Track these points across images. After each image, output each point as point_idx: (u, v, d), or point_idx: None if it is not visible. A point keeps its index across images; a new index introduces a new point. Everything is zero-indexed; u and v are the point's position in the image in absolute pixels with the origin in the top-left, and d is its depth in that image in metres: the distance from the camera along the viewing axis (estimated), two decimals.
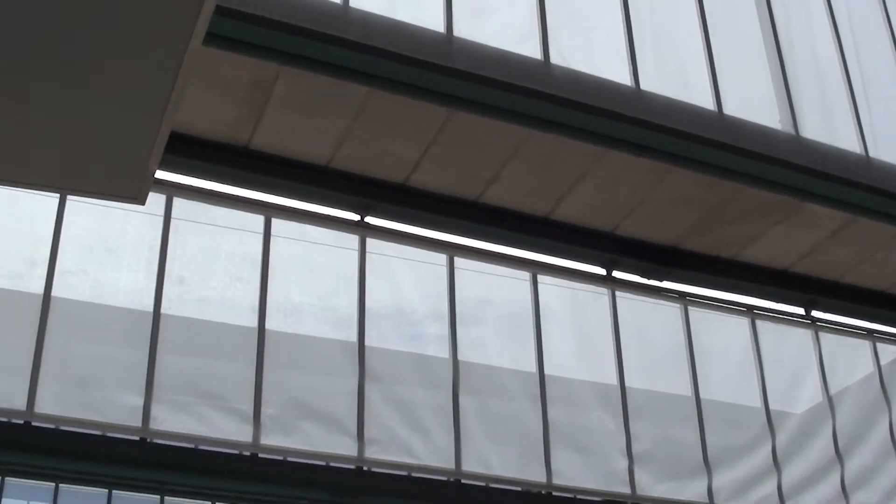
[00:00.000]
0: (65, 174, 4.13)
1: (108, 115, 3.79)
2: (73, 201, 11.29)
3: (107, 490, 14.94)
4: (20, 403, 10.26)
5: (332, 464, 11.34)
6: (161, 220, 11.79)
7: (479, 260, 13.21)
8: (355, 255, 12.32)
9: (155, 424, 10.34)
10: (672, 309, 14.98)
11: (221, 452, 10.94)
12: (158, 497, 12.41)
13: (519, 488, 12.41)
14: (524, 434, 12.44)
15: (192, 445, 10.92)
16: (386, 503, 13.23)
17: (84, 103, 3.73)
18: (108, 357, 11.10)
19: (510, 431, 12.26)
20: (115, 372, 10.79)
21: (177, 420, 10.62)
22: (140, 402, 10.43)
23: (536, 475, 12.42)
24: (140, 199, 4.32)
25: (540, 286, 13.76)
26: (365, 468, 11.15)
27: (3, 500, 13.45)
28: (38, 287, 10.76)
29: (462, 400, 11.80)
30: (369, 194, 12.66)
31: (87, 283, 11.10)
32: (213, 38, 9.49)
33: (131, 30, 3.51)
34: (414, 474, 11.65)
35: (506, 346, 13.12)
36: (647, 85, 12.27)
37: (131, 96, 3.77)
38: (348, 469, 11.38)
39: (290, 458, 11.28)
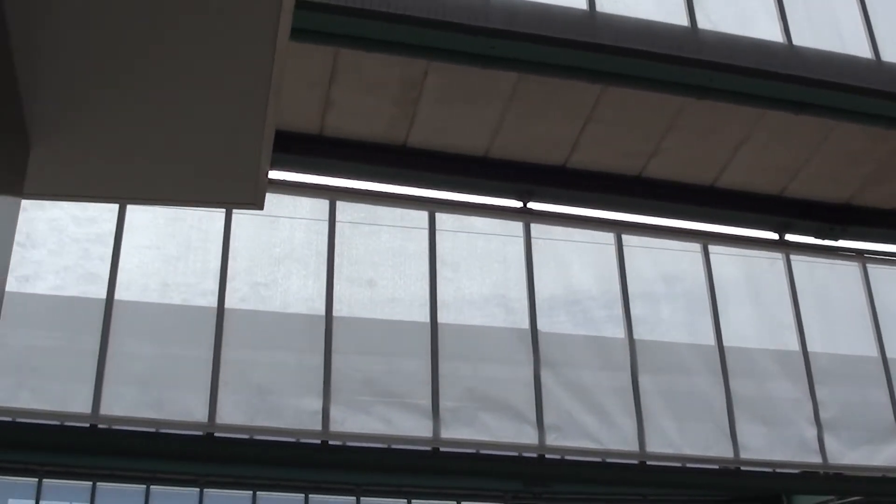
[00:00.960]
0: (183, 187, 4.20)
1: (213, 123, 3.84)
2: (238, 214, 11.62)
3: (303, 494, 15.44)
4: (201, 415, 10.57)
5: (515, 453, 11.34)
6: (326, 225, 12.00)
7: (646, 235, 12.99)
8: (521, 242, 12.27)
9: (335, 426, 10.51)
10: (850, 268, 14.45)
11: (404, 450, 11.06)
12: (354, 498, 12.66)
13: (707, 466, 12.20)
14: (707, 409, 12.18)
15: (379, 445, 11.07)
16: (579, 489, 13.19)
17: (190, 113, 3.80)
18: (284, 363, 11.35)
19: (693, 408, 12.04)
20: (292, 377, 11.02)
21: (356, 421, 10.77)
22: (319, 405, 10.61)
23: (724, 451, 12.16)
24: (258, 204, 4.32)
25: (712, 257, 13.43)
26: (547, 456, 11.12)
27: None
28: (211, 301, 11.10)
29: (641, 379, 11.64)
30: (530, 179, 12.59)
31: (259, 292, 11.37)
32: (360, 41, 9.57)
33: (222, 28, 3.56)
34: (598, 459, 11.59)
35: (682, 322, 12.86)
36: (799, 40, 11.79)
37: (231, 99, 3.81)
38: (529, 458, 11.36)
39: (471, 451, 11.38)
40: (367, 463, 11.11)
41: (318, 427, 10.62)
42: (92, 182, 3.98)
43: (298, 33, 8.77)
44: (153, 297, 11.00)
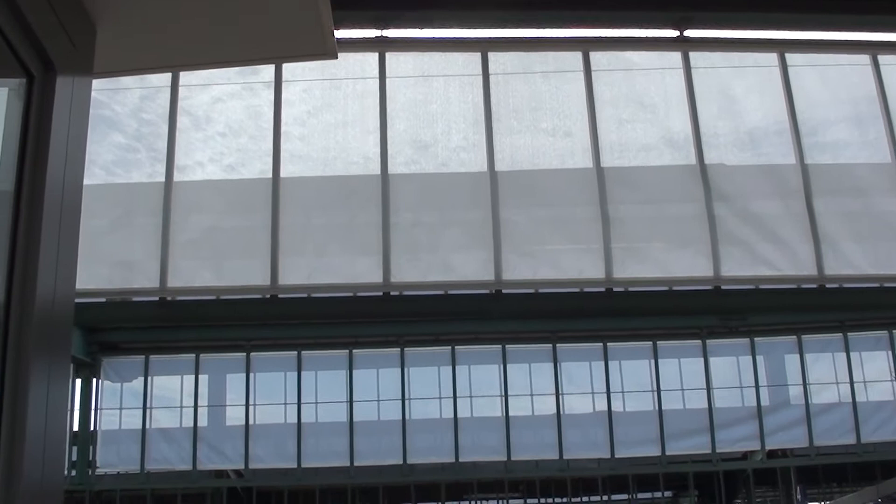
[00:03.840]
0: (256, 45, 4.19)
1: None
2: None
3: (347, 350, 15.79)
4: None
5: (691, 287, 11.29)
6: (480, 78, 11.87)
7: (813, 51, 12.42)
8: (680, 74, 11.94)
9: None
10: None
11: (591, 293, 11.14)
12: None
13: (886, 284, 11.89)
14: (888, 228, 11.79)
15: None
16: (768, 320, 12.93)
17: None
18: (452, 220, 11.51)
19: (871, 227, 11.68)
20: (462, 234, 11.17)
21: (527, 266, 10.88)
22: (491, 255, 10.76)
23: None
24: (330, 53, 4.28)
25: (882, 68, 12.78)
26: (723, 287, 11.05)
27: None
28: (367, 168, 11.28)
29: (817, 203, 11.34)
30: (686, 5, 12.11)
31: (417, 154, 11.47)
32: None
33: None
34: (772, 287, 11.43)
35: (855, 141, 12.37)
36: None
37: None
38: (717, 290, 11.30)
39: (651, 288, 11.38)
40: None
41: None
42: (159, 52, 4.03)
43: None
44: (317, 170, 11.29)
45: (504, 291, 10.80)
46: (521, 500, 27.88)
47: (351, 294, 11.58)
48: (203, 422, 18.84)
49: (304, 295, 12.16)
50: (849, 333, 17.84)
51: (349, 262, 11.06)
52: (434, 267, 10.74)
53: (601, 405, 17.87)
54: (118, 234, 11.94)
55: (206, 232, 12.15)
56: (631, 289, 11.02)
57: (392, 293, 10.85)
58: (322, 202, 11.85)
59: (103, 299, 13.42)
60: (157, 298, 11.56)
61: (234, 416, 18.57)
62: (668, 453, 17.74)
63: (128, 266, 11.82)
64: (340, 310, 12.53)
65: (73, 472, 17.94)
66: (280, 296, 11.10)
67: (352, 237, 11.19)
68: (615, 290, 10.74)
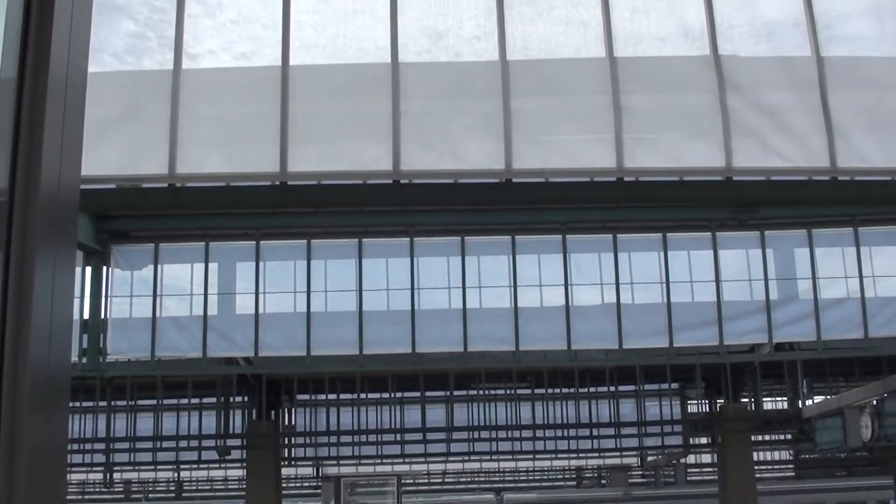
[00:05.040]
0: None
1: None
2: None
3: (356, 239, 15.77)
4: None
5: (704, 178, 11.17)
6: None
7: None
8: None
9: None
10: None
11: (600, 182, 11.05)
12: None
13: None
14: None
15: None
16: (781, 213, 12.84)
17: None
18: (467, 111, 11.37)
19: (886, 121, 11.51)
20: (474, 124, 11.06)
21: (537, 155, 10.77)
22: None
23: None
24: None
25: None
26: (734, 178, 10.95)
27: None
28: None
29: (832, 97, 11.16)
30: None
31: (431, 44, 11.28)
32: None
33: None
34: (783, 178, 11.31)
35: (872, 35, 12.12)
36: None
37: None
38: (729, 181, 11.18)
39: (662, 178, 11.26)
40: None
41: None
42: None
43: None
44: (328, 58, 11.14)
45: (514, 181, 10.70)
46: (529, 391, 28.38)
47: (361, 182, 11.50)
48: (213, 310, 19.01)
49: (314, 183, 12.10)
50: (859, 228, 17.80)
51: (360, 149, 10.99)
52: (445, 155, 10.67)
53: (610, 297, 17.95)
54: (128, 122, 11.86)
55: (215, 119, 12.05)
56: (642, 179, 10.89)
57: (402, 181, 10.76)
58: (333, 90, 11.72)
59: (113, 185, 13.40)
60: (166, 185, 11.50)
61: (244, 304, 18.71)
62: (675, 345, 17.88)
63: (137, 152, 11.76)
64: (350, 198, 12.50)
65: (84, 360, 18.18)
66: (290, 183, 11.03)
67: (363, 125, 11.10)
68: (626, 179, 10.60)
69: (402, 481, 41.07)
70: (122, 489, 42.79)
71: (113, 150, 11.09)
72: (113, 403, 26.67)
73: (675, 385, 28.34)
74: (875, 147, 10.86)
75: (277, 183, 10.89)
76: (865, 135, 10.91)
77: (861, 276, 17.60)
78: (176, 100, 10.80)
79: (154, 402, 26.74)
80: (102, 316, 18.19)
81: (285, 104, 10.77)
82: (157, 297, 18.41)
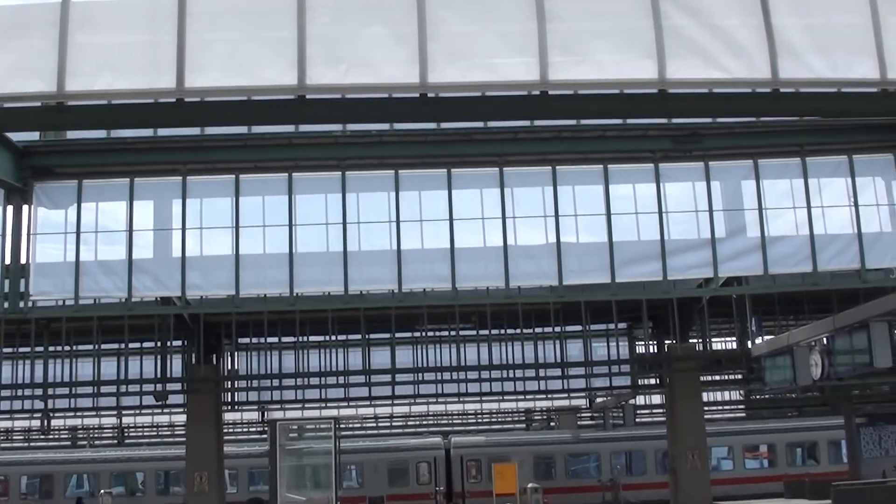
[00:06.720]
0: None
1: None
2: None
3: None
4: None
5: (635, 90, 10.33)
6: None
7: None
8: None
9: (434, 78, 9.67)
10: None
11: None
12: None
13: (850, 89, 10.96)
14: (854, 28, 10.68)
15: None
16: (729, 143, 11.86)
17: None
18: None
19: (830, 29, 10.65)
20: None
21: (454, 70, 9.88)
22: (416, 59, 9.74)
23: (868, 70, 10.81)
24: None
25: None
26: (669, 91, 10.08)
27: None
28: None
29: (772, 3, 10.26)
30: None
31: None
32: None
33: None
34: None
35: None
36: None
37: None
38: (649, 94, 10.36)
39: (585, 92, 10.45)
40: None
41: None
42: None
43: None
44: None
45: (431, 95, 9.85)
46: (474, 332, 27.77)
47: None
48: (148, 252, 18.12)
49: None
50: (807, 158, 17.21)
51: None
52: (353, 68, 9.77)
53: (551, 232, 17.23)
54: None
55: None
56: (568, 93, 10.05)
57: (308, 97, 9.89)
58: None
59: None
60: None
61: (178, 246, 17.78)
62: (618, 280, 17.25)
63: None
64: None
65: (6, 304, 17.31)
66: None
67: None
68: (551, 93, 9.76)
69: (349, 425, 40.94)
70: (68, 436, 42.21)
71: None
72: (50, 349, 25.82)
73: (622, 326, 27.89)
74: (819, 56, 10.06)
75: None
76: (809, 42, 10.09)
77: (809, 208, 17.03)
78: (66, 21, 9.81)
79: (92, 347, 25.96)
80: (26, 257, 17.30)
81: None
82: (79, 236, 17.52)
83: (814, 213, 17.16)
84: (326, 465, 21.35)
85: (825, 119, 15.68)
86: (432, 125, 16.49)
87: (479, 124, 16.42)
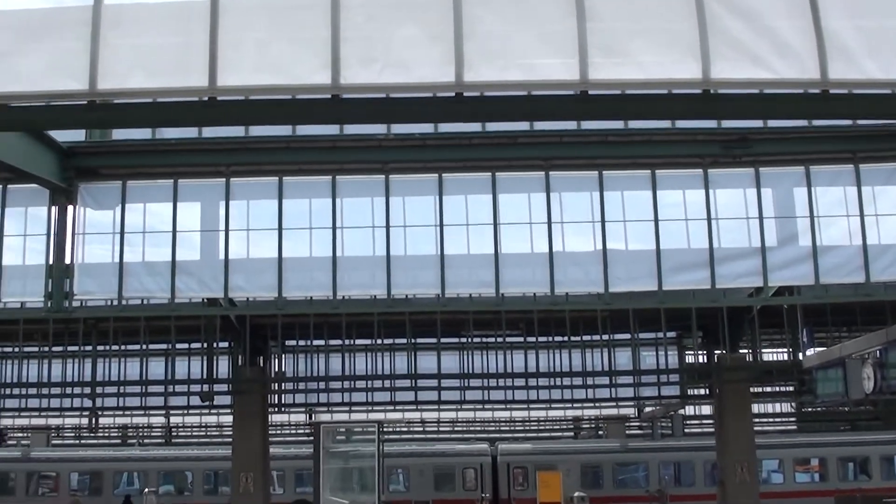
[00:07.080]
0: None
1: None
2: None
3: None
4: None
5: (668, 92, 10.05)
6: None
7: None
8: None
9: (470, 77, 9.47)
10: None
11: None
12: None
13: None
14: None
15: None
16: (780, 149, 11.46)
17: None
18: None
19: (884, 28, 10.30)
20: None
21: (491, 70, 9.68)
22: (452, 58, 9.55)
23: None
24: None
25: None
26: (714, 91, 9.80)
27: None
28: None
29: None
30: None
31: None
32: None
33: None
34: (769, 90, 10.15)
35: None
36: None
37: None
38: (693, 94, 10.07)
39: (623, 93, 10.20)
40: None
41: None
42: None
43: None
44: None
45: (466, 94, 9.64)
46: (521, 339, 27.48)
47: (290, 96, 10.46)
48: (195, 254, 18.14)
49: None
50: (860, 165, 16.80)
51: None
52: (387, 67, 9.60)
53: (598, 238, 16.96)
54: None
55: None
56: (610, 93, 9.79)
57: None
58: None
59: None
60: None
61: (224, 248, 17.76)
62: (665, 288, 16.97)
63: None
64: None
65: (51, 303, 17.38)
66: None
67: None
68: (591, 93, 9.50)
69: (395, 429, 40.88)
70: (118, 435, 42.55)
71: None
72: (98, 349, 25.96)
73: (671, 335, 27.47)
74: (871, 57, 9.68)
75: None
76: (861, 43, 9.72)
77: (862, 217, 16.64)
78: (97, 18, 9.78)
79: (139, 346, 26.07)
80: (70, 257, 17.38)
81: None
82: (123, 236, 17.54)
83: (867, 221, 16.74)
84: (371, 469, 21.25)
85: (878, 124, 15.25)
86: (476, 128, 16.33)
87: (524, 127, 16.24)
